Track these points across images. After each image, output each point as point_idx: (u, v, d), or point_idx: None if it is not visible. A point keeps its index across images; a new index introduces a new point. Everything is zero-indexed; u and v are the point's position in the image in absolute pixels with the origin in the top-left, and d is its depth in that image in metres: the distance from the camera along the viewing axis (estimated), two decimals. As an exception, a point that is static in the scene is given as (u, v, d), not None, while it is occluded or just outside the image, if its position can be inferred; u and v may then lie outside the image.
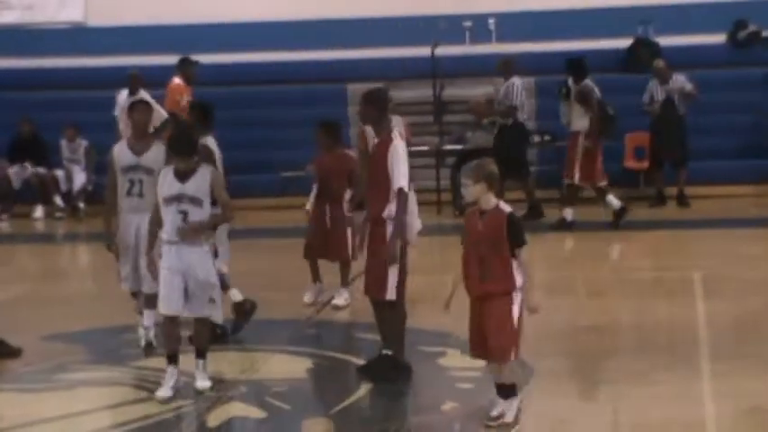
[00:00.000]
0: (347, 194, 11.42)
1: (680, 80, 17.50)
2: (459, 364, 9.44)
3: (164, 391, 8.47)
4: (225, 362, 9.46)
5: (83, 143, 19.15)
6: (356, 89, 16.64)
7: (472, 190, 7.58)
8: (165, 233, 8.58)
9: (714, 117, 18.18)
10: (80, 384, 9.12)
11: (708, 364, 9.17)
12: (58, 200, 19.05)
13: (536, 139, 18.47)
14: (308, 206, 11.73)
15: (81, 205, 18.83)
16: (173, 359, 8.59)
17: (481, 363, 9.39)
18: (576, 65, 16.07)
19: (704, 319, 10.59)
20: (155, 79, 16.97)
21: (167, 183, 8.60)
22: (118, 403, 8.60)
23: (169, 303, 8.59)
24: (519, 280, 7.58)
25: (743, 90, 18.63)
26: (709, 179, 17.90)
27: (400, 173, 8.66)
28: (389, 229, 8.69)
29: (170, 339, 8.67)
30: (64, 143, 19.25)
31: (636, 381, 8.76)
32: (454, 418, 8.29)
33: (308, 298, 11.55)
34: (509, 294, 7.58)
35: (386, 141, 8.82)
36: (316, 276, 11.61)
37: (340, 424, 8.22)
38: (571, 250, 14.60)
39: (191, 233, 8.50)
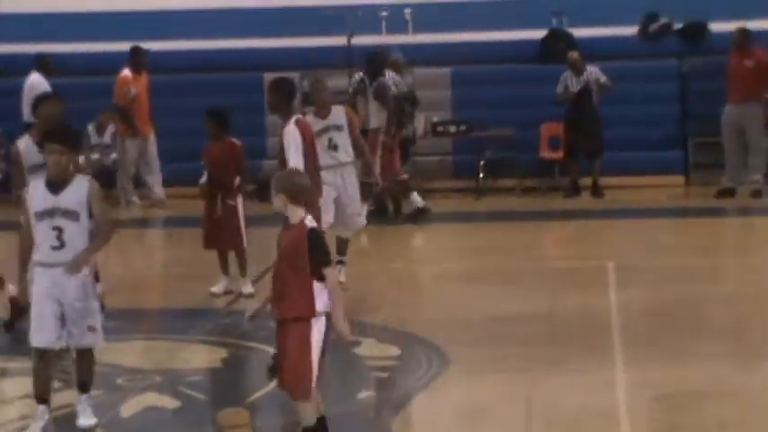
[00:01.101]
0: (236, 183, 11.38)
1: (594, 72, 17.65)
2: (375, 353, 9.47)
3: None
4: (138, 352, 9.38)
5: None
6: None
7: (275, 201, 6.85)
8: (38, 254, 7.48)
9: (627, 108, 18.35)
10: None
11: (621, 352, 9.27)
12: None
13: (452, 129, 18.54)
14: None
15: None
16: (44, 401, 7.60)
17: (396, 351, 9.48)
18: (372, 60, 16.11)
19: (617, 308, 10.71)
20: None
21: (39, 195, 7.50)
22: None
23: (41, 335, 7.47)
24: (320, 305, 6.74)
25: (655, 81, 18.83)
26: (623, 170, 18.05)
27: (291, 156, 8.69)
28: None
29: (40, 380, 7.55)
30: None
31: (550, 369, 8.83)
32: (369, 406, 8.30)
33: (216, 288, 11.46)
34: (306, 321, 6.74)
35: (282, 127, 8.97)
36: (225, 268, 11.52)
37: (255, 413, 8.20)
38: (486, 240, 14.66)
39: (77, 269, 7.45)
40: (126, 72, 16.95)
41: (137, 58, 17.09)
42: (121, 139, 17.41)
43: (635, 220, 15.87)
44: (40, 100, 9.60)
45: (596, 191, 17.61)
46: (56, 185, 7.45)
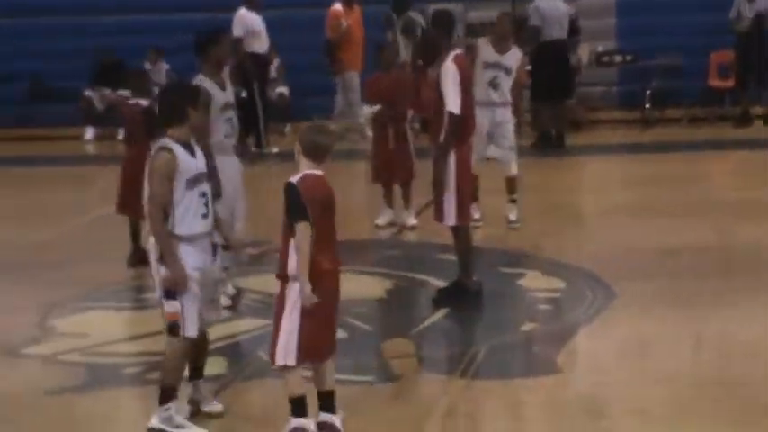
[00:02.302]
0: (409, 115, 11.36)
1: (767, -1, 17.11)
2: (539, 285, 9.43)
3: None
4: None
5: (165, 66, 19.21)
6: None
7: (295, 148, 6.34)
8: (183, 226, 6.38)
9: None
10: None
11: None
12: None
13: (617, 58, 18.24)
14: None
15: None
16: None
17: (561, 284, 9.42)
18: None
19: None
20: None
21: (186, 158, 6.44)
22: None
23: (195, 324, 6.47)
24: (292, 265, 6.11)
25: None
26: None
27: (447, 93, 8.57)
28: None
29: (179, 371, 6.56)
30: (147, 66, 19.34)
31: (720, 303, 8.66)
32: (533, 338, 8.27)
33: (381, 220, 11.52)
34: (283, 281, 6.18)
35: (441, 61, 8.75)
36: (390, 200, 11.56)
37: (421, 344, 8.25)
38: (652, 172, 14.41)
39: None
40: (337, 5, 16.76)
41: None
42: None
43: (809, 151, 15.39)
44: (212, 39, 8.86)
45: (768, 119, 17.14)
46: (189, 146, 6.52)
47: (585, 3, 18.67)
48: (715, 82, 18.10)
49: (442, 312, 8.73)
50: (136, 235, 10.24)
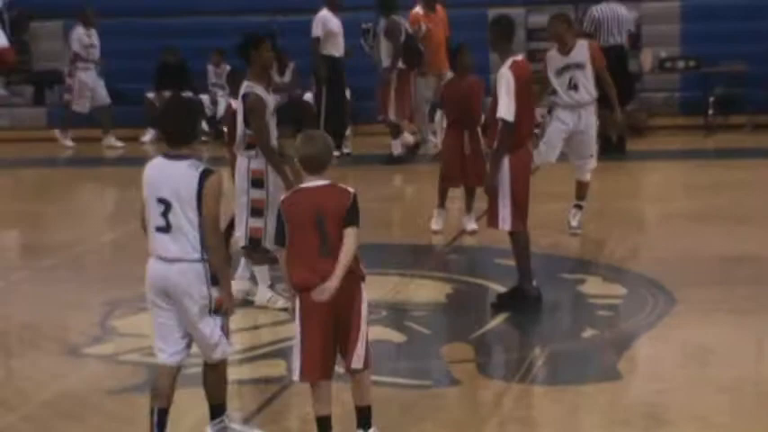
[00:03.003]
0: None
1: None
2: (599, 291, 9.38)
3: None
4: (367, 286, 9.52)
5: (227, 68, 19.34)
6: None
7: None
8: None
9: None
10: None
11: None
12: (203, 124, 19.30)
13: (680, 64, 18.12)
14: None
15: (225, 129, 19.02)
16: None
17: (622, 291, 9.37)
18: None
19: None
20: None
21: None
22: (250, 326, 8.75)
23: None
24: (295, 278, 6.13)
25: None
26: None
27: (501, 99, 8.56)
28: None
29: None
30: (210, 68, 19.51)
31: (782, 311, 8.59)
32: (594, 345, 8.24)
33: (437, 226, 11.47)
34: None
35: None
36: (443, 202, 11.54)
37: (480, 349, 8.25)
38: (715, 178, 14.30)
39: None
40: (417, 8, 16.45)
41: None
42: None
43: None
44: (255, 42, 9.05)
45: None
46: None
47: (650, 8, 18.57)
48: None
49: (501, 317, 8.72)
50: None
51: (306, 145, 6.12)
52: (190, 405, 6.68)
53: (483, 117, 11.28)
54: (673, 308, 8.79)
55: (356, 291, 6.06)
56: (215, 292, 6.03)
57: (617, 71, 15.71)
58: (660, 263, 10.11)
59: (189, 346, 6.20)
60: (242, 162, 8.91)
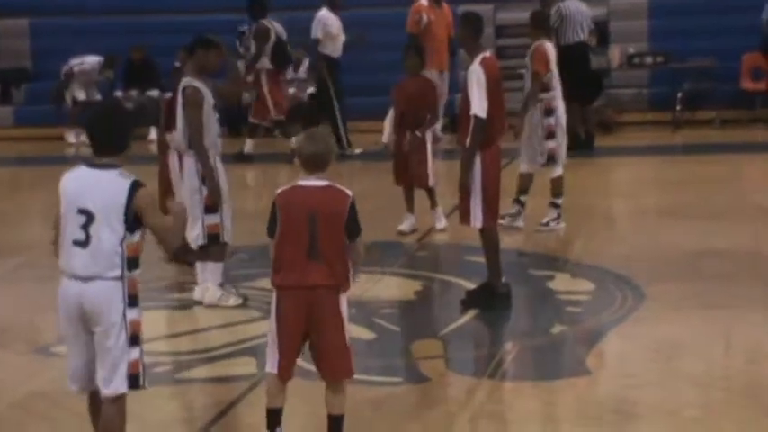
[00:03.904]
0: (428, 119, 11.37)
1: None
2: (568, 287, 9.40)
3: None
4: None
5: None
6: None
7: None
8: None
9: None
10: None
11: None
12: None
13: (648, 60, 18.18)
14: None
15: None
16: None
17: (590, 286, 9.38)
18: (255, 2, 16.30)
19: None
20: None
21: None
22: (237, 321, 8.72)
23: None
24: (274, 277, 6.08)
25: None
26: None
27: (473, 96, 8.55)
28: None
29: None
30: (177, 65, 19.39)
31: (752, 307, 8.60)
32: (563, 341, 8.25)
33: (404, 227, 11.38)
34: None
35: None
36: (411, 205, 11.49)
37: (449, 346, 8.24)
38: (683, 174, 14.35)
39: None
40: (423, 0, 16.41)
41: None
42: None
43: None
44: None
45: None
46: None
47: (618, 4, 18.62)
48: (747, 84, 18.00)
49: (470, 314, 8.71)
50: None
51: (307, 143, 6.05)
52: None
53: (428, 117, 11.30)
54: (642, 303, 8.81)
55: (336, 301, 5.97)
56: (132, 314, 5.54)
57: (581, 68, 15.78)
58: (629, 258, 10.14)
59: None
60: (189, 161, 8.88)
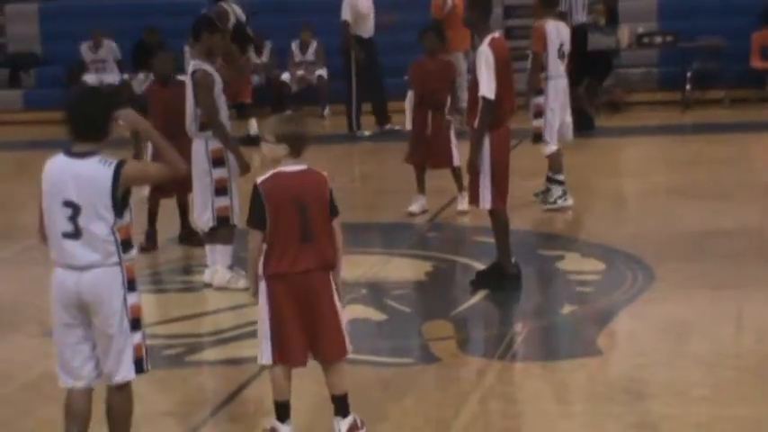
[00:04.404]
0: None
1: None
2: (578, 267, 9.40)
3: None
4: (344, 265, 9.52)
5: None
6: None
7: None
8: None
9: None
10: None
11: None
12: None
13: (657, 40, 18.13)
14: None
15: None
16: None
17: (600, 266, 9.39)
18: None
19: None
20: None
21: None
22: (246, 304, 8.70)
23: None
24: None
25: None
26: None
27: (481, 77, 8.54)
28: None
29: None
30: (187, 49, 19.38)
31: (761, 286, 8.60)
32: (573, 321, 8.25)
33: (414, 207, 11.37)
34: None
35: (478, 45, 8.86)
36: (422, 186, 11.47)
37: (460, 326, 8.25)
38: (693, 153, 14.33)
39: None
40: None
41: None
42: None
43: None
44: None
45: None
46: None
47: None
48: (757, 63, 17.95)
49: (480, 295, 8.72)
50: (184, 213, 10.39)
51: (287, 123, 6.01)
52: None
53: (449, 99, 11.28)
54: (652, 283, 8.81)
55: (328, 282, 5.98)
56: (132, 298, 5.47)
57: (581, 49, 15.71)
58: (639, 238, 10.13)
59: (98, 366, 5.55)
60: (199, 144, 8.91)
